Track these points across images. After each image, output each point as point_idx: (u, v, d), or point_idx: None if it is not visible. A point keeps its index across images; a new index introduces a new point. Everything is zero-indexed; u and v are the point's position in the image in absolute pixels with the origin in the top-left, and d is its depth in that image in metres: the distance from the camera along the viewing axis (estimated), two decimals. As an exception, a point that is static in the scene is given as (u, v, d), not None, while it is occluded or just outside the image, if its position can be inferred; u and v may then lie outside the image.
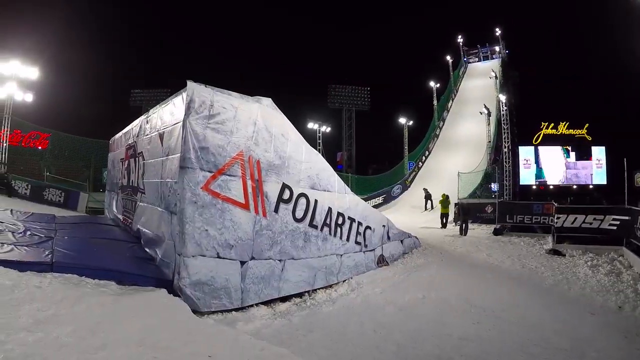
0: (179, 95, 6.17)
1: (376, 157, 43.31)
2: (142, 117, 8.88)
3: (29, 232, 7.47)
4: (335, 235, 7.94)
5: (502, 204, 17.33)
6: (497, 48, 40.72)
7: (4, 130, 18.36)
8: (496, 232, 14.89)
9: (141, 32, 60.69)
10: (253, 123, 6.33)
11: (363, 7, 70.09)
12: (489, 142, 28.29)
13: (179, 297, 5.40)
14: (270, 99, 6.83)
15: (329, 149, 32.23)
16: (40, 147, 19.59)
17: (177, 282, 5.53)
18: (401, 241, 10.55)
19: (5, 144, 18.22)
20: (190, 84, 5.72)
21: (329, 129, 30.91)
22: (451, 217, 17.88)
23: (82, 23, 46.98)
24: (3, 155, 18.11)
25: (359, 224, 8.66)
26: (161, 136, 6.90)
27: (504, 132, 24.74)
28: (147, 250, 7.18)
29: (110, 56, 50.93)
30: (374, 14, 69.44)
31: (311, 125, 29.11)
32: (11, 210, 10.31)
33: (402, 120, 32.70)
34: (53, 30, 37.30)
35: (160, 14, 65.88)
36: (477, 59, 41.70)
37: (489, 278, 9.32)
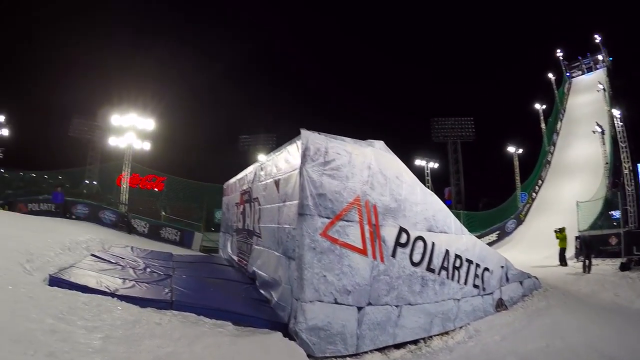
0: (293, 144, 6.41)
1: (486, 190, 41.10)
2: (257, 164, 9.35)
3: (149, 269, 8.03)
4: (452, 278, 7.59)
5: (628, 234, 15.58)
6: (599, 57, 36.07)
7: (123, 174, 20.50)
8: (623, 267, 13.38)
9: (247, 79, 65.31)
10: (367, 167, 6.35)
11: (455, 37, 69.17)
12: (606, 163, 25.58)
13: (294, 341, 5.44)
14: (382, 141, 6.83)
15: (436, 185, 31.38)
16: (156, 189, 21.53)
17: (293, 326, 5.60)
18: (520, 282, 9.79)
19: (125, 186, 20.17)
20: (304, 132, 5.92)
21: (436, 165, 30.37)
22: (570, 252, 16.42)
23: (191, 74, 51.62)
24: (124, 196, 20.00)
25: (477, 265, 8.20)
26: (277, 183, 7.17)
27: (622, 151, 22.25)
28: (262, 292, 7.40)
29: (219, 104, 55.23)
30: (468, 42, 67.96)
31: (418, 162, 28.91)
32: (132, 248, 11.20)
33: (511, 148, 30.91)
34: (166, 83, 41.38)
35: (266, 61, 70.56)
36: (580, 72, 37.54)
37: (618, 322, 8.29)
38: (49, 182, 28.05)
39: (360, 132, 7.07)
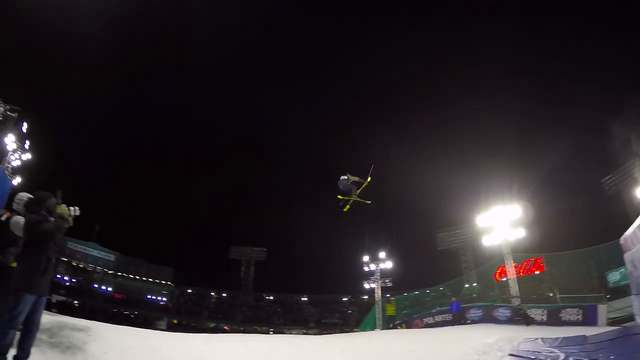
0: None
1: None
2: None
3: (571, 358, 8.07)
4: None
5: None
6: None
7: (503, 268, 21.80)
8: None
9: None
10: None
11: None
12: None
13: None
14: None
15: None
16: (537, 272, 21.51)
17: None
18: None
19: (513, 279, 20.64)
20: None
21: None
22: None
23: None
24: (513, 289, 20.39)
25: None
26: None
27: None
28: None
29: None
30: None
31: None
32: (541, 339, 11.27)
33: None
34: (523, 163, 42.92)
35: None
36: None
37: None
38: (432, 295, 31.90)
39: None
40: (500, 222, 21.56)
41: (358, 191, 13.02)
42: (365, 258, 33.08)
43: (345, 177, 12.78)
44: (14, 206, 5.89)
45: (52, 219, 5.13)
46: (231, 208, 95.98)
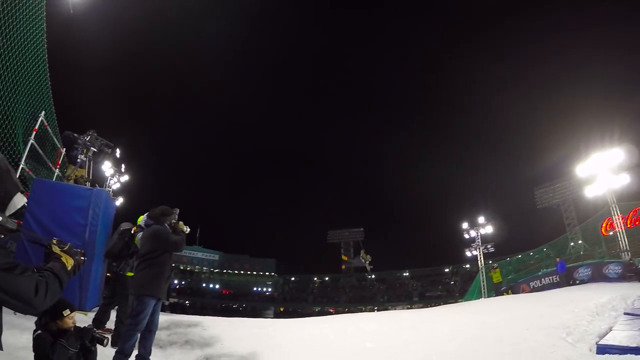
0: None
1: None
2: None
3: None
4: None
5: None
6: None
7: (607, 220, 20.52)
8: None
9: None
10: None
11: None
12: None
13: None
14: None
15: None
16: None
17: None
18: None
19: (621, 232, 19.32)
20: None
21: None
22: None
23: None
24: (622, 243, 19.13)
25: None
26: None
27: None
28: None
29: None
30: None
31: None
32: None
33: None
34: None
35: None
36: None
37: None
38: (536, 257, 30.70)
39: None
40: (602, 170, 20.23)
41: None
42: (465, 225, 31.45)
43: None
44: (141, 222, 6.69)
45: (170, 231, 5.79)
46: (325, 194, 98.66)
